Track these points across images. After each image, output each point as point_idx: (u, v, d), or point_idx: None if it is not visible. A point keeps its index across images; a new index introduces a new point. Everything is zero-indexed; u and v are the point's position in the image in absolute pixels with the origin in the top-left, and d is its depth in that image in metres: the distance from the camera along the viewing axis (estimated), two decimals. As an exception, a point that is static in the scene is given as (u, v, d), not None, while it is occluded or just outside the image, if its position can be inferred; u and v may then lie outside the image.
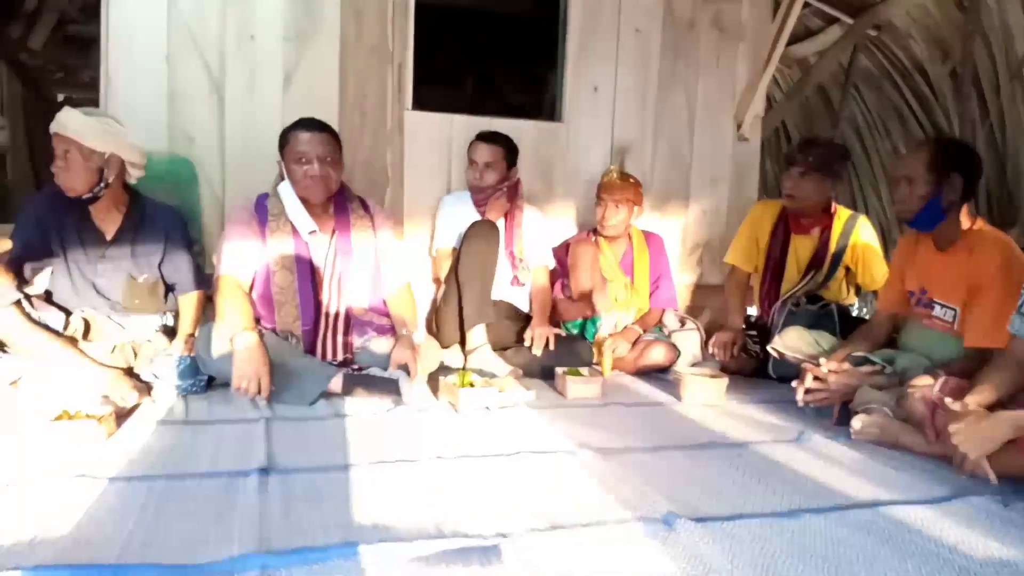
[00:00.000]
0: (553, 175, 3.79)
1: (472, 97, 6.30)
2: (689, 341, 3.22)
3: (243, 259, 2.54)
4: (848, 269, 3.19)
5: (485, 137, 3.26)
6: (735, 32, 4.01)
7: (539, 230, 3.34)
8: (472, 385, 2.38)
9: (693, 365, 3.10)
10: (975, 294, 2.26)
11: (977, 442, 1.75)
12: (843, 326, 2.96)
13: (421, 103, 3.58)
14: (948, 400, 1.91)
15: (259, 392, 2.29)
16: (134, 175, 2.57)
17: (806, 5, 4.23)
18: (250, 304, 2.51)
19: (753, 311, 3.47)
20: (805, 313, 3.03)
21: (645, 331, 3.23)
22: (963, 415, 1.80)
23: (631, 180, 3.30)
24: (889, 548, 1.43)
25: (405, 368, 2.46)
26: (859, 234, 3.14)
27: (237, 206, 2.71)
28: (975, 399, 1.89)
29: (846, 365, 2.38)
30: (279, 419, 2.18)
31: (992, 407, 1.87)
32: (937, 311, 2.40)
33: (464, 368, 2.78)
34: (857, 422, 2.17)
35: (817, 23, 5.01)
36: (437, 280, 3.28)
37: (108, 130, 2.44)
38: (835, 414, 2.34)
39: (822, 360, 2.42)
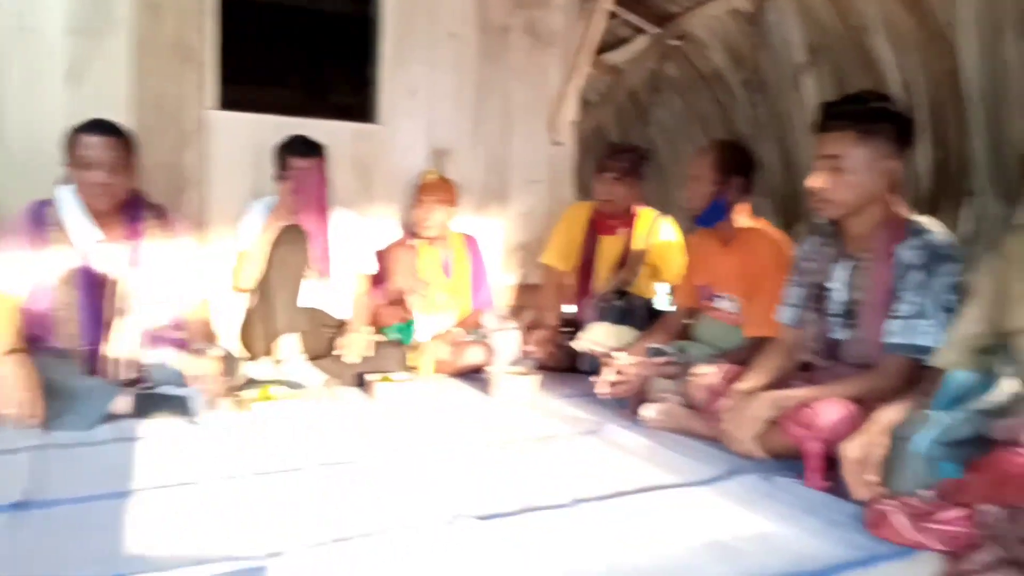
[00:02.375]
0: (372, 178, 3.74)
1: (291, 97, 6.09)
2: (507, 340, 3.27)
3: (17, 272, 2.32)
4: (654, 266, 3.38)
5: (305, 151, 2.90)
6: (547, 39, 4.12)
7: (354, 234, 3.26)
8: (271, 398, 2.29)
9: (513, 364, 3.16)
10: (753, 288, 2.45)
11: (743, 423, 1.90)
12: (650, 320, 3.12)
13: (233, 103, 3.40)
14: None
15: (30, 418, 2.09)
16: None
17: (613, 15, 4.42)
18: (21, 321, 2.29)
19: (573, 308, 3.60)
20: (613, 309, 3.17)
21: (466, 332, 3.26)
22: (732, 398, 1.95)
23: (448, 181, 3.32)
24: (664, 529, 1.52)
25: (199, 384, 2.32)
26: (658, 233, 3.33)
27: (13, 214, 2.46)
28: (747, 384, 2.05)
29: (641, 357, 2.52)
30: (53, 446, 1.99)
31: (765, 390, 2.03)
32: (722, 303, 2.59)
33: (270, 380, 2.67)
34: (648, 410, 2.30)
35: (627, 32, 5.26)
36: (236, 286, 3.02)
37: None
38: (631, 404, 2.47)
39: (617, 353, 2.54)
